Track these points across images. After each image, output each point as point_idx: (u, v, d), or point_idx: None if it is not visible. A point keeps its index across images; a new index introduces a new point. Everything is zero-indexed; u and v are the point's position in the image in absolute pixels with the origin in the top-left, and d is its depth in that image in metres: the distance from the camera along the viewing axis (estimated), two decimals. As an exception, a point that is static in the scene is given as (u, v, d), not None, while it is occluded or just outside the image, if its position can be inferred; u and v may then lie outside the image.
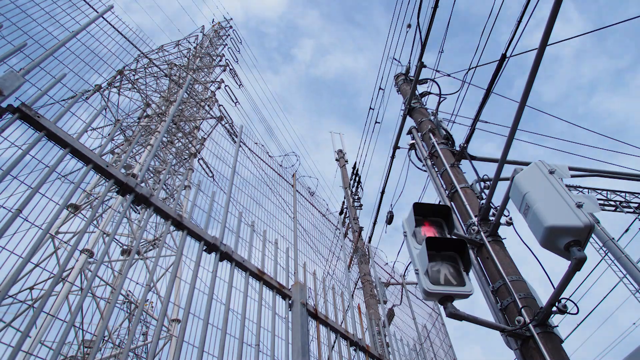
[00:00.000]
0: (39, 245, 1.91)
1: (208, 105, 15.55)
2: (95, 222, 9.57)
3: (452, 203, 4.70)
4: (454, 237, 3.76)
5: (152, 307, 12.02)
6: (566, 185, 3.00)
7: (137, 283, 8.32)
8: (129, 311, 10.48)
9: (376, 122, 9.48)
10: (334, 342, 3.33)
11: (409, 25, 7.49)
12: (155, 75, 14.80)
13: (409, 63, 7.37)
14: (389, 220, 7.39)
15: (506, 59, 4.63)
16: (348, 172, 11.64)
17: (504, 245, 3.98)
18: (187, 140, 14.20)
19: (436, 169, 5.24)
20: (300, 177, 10.70)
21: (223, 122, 14.80)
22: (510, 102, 4.87)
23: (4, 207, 2.06)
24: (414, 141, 5.97)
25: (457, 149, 5.25)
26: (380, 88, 8.76)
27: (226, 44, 23.39)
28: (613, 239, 7.75)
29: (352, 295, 6.13)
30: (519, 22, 4.44)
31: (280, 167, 6.84)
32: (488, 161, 5.17)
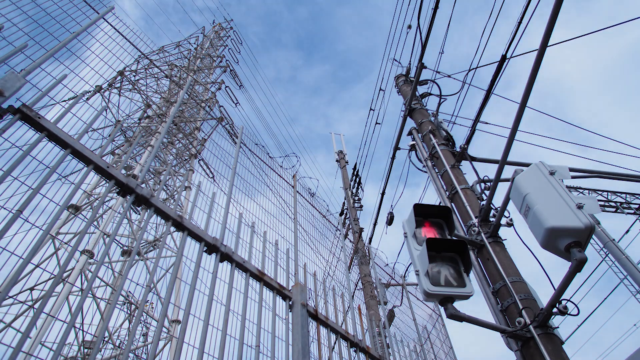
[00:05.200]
0: (40, 246, 1.91)
1: (208, 106, 15.56)
2: (95, 223, 9.57)
3: (453, 204, 4.70)
4: (454, 238, 3.76)
5: (153, 308, 12.02)
6: (566, 187, 3.00)
7: (138, 284, 8.34)
8: (129, 312, 10.48)
9: (377, 123, 9.48)
10: (335, 343, 3.33)
11: (409, 26, 7.50)
12: (156, 76, 14.82)
13: (409, 64, 7.38)
14: (389, 221, 7.39)
15: (506, 60, 4.63)
16: (348, 173, 11.64)
17: (504, 247, 3.98)
18: (187, 141, 14.20)
19: (436, 170, 5.24)
20: (300, 178, 10.70)
21: (223, 123, 14.81)
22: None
23: (4, 208, 2.06)
24: (414, 142, 5.97)
25: (458, 149, 5.25)
26: (380, 89, 8.77)
27: (226, 45, 23.43)
28: (614, 240, 7.74)
29: (353, 296, 6.12)
30: (519, 22, 4.44)
31: (280, 167, 6.85)
32: (488, 162, 5.18)
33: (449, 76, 6.52)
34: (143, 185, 2.46)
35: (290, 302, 3.15)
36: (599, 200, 11.38)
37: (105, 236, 9.18)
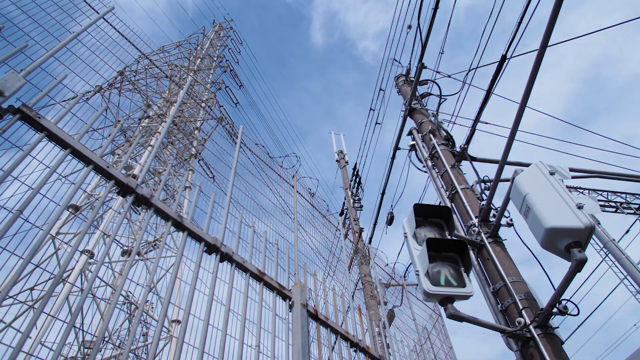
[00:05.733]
0: (40, 246, 1.91)
1: (208, 106, 15.56)
2: (95, 223, 9.58)
3: (453, 204, 4.70)
4: (454, 238, 3.76)
5: (153, 308, 12.02)
6: (566, 187, 3.00)
7: (138, 284, 8.33)
8: (129, 312, 10.48)
9: (377, 123, 9.48)
10: (335, 343, 3.33)
11: (409, 27, 7.50)
12: (156, 76, 14.82)
13: (409, 64, 7.38)
14: (389, 221, 7.39)
15: (506, 60, 4.63)
16: (348, 172, 11.64)
17: (504, 247, 3.98)
18: (187, 141, 14.20)
19: (436, 170, 5.24)
20: (300, 178, 10.70)
21: (223, 123, 14.80)
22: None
23: (4, 208, 2.06)
24: (414, 142, 5.97)
25: (458, 150, 5.25)
26: (380, 89, 8.77)
27: (226, 45, 23.44)
28: (614, 240, 7.73)
29: (353, 296, 6.12)
30: (519, 22, 4.44)
31: (280, 168, 6.85)
32: (488, 162, 5.18)
33: (449, 76, 6.53)
34: (143, 185, 2.46)
35: (290, 302, 3.15)
36: (599, 200, 11.38)
37: (105, 236, 9.18)
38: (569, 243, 2.70)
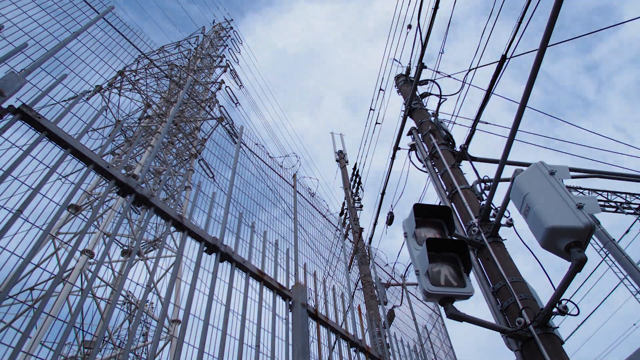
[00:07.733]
0: (40, 245, 1.91)
1: (208, 106, 15.56)
2: (95, 222, 9.58)
3: (453, 204, 4.70)
4: (454, 238, 3.76)
5: (153, 307, 12.03)
6: (566, 187, 3.00)
7: (138, 284, 8.35)
8: (129, 312, 10.49)
9: (377, 123, 9.48)
10: (334, 343, 3.33)
11: (409, 26, 7.50)
12: (156, 76, 14.82)
13: (410, 64, 7.38)
14: (389, 221, 7.38)
15: (506, 60, 4.63)
16: (348, 172, 11.64)
17: (504, 246, 3.97)
18: (187, 141, 14.20)
19: (437, 170, 5.24)
20: (300, 177, 10.71)
21: (223, 123, 14.80)
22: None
23: (4, 208, 2.06)
24: (414, 142, 5.96)
25: (458, 149, 5.25)
26: (380, 89, 8.77)
27: (226, 45, 23.44)
28: (614, 240, 7.73)
29: (353, 296, 6.12)
30: (519, 22, 4.44)
31: (280, 167, 6.85)
32: (488, 162, 5.17)
33: (449, 76, 6.52)
34: (143, 185, 2.46)
35: (290, 302, 3.15)
36: (599, 200, 11.39)
37: (105, 236, 9.18)
38: (569, 243, 2.70)
